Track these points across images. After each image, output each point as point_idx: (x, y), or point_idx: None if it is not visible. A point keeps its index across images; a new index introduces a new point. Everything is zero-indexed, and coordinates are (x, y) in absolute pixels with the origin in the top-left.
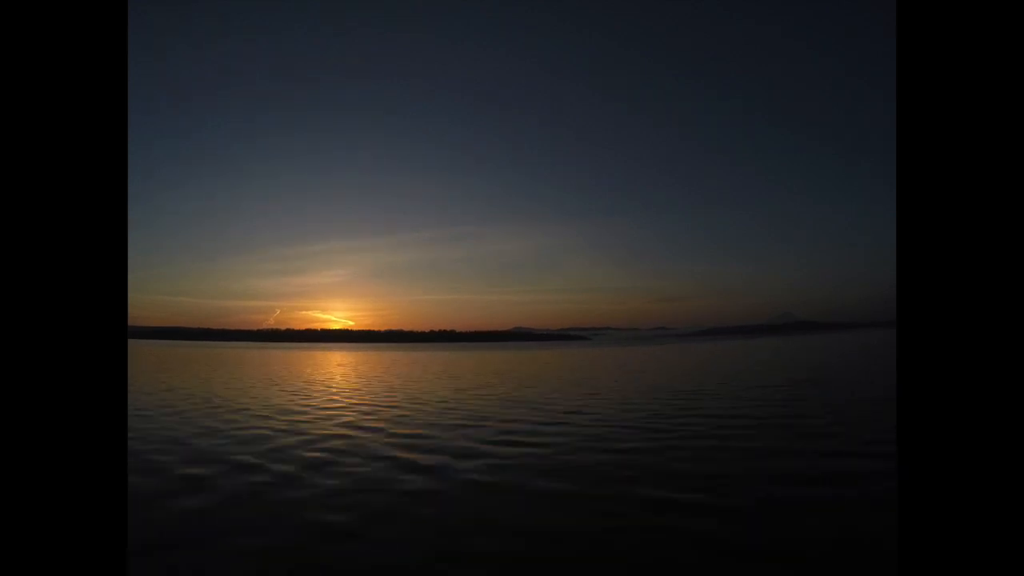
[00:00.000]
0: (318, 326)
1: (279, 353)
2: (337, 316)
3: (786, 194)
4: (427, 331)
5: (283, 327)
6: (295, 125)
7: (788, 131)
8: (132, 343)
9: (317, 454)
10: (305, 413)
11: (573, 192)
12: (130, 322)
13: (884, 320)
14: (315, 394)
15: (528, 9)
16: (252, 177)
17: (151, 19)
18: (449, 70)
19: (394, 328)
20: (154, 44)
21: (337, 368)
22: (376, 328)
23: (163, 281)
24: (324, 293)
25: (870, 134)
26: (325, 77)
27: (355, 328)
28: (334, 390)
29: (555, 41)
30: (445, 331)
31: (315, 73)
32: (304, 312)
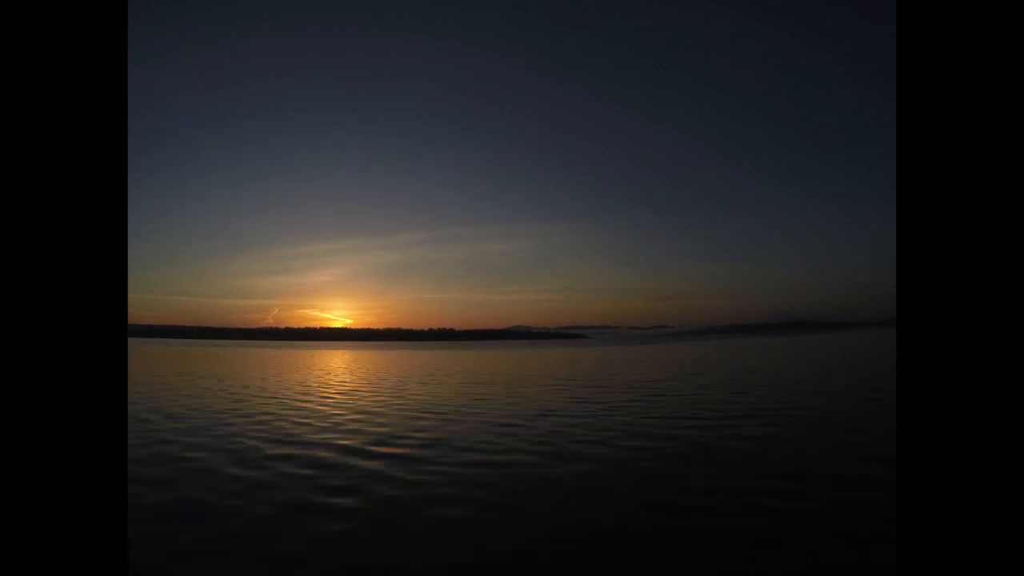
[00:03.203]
0: (317, 324)
1: (306, 353)
2: (336, 315)
3: (786, 194)
4: (426, 329)
5: (282, 325)
6: (292, 124)
7: (787, 131)
8: (132, 342)
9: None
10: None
11: (572, 191)
12: (128, 321)
13: (884, 320)
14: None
15: (527, 8)
16: (249, 176)
17: (149, 18)
18: (450, 70)
19: (393, 327)
20: (152, 43)
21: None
22: (375, 327)
23: (160, 279)
24: (322, 292)
25: (870, 134)
26: (321, 77)
27: (354, 327)
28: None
29: (554, 40)
30: (444, 329)
31: (312, 73)
32: (302, 311)
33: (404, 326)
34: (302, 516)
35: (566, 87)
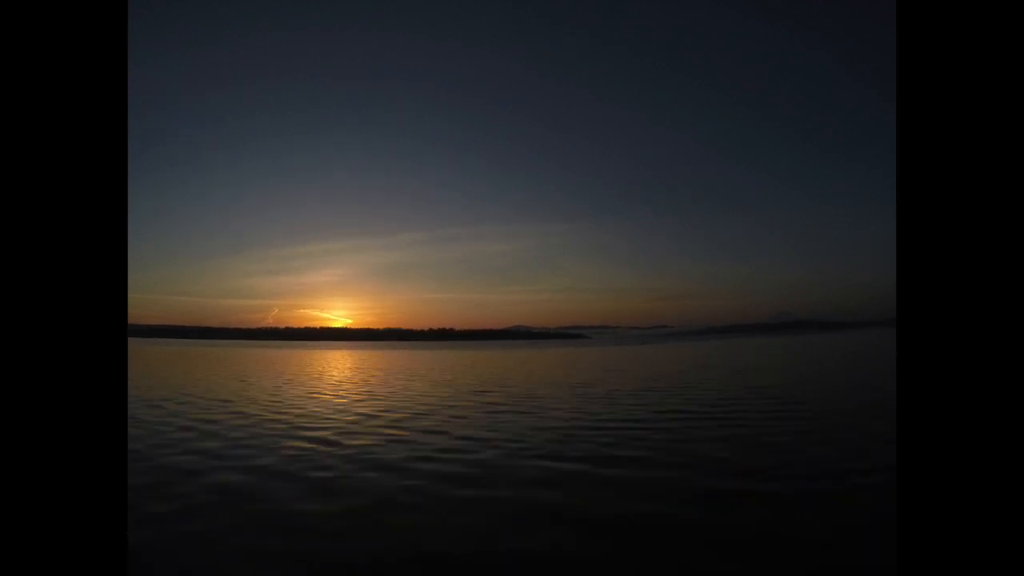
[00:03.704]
0: (317, 324)
1: (330, 354)
2: (336, 315)
3: (786, 194)
4: (426, 329)
5: (282, 325)
6: (292, 124)
7: (787, 131)
8: (132, 342)
9: None
10: None
11: (572, 191)
12: (128, 321)
13: (884, 320)
14: None
15: (527, 8)
16: (249, 176)
17: (149, 18)
18: (449, 70)
19: (393, 327)
20: (152, 43)
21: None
22: (375, 327)
23: (160, 279)
24: (322, 292)
25: (870, 134)
26: (321, 77)
27: (354, 327)
28: None
29: (554, 40)
30: (444, 329)
31: (311, 73)
32: (302, 311)
33: (404, 326)
34: None
35: (566, 87)
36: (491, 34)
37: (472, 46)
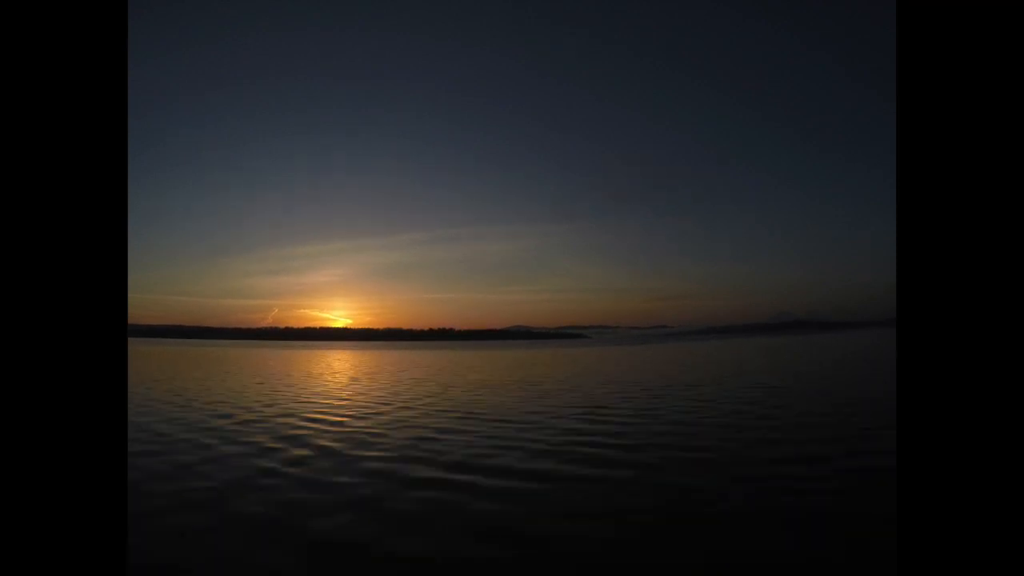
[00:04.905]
0: (317, 324)
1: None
2: (335, 315)
3: (786, 194)
4: (426, 329)
5: (282, 325)
6: (292, 124)
7: (787, 131)
8: (132, 342)
9: None
10: None
11: (572, 191)
12: (128, 321)
13: (884, 320)
14: None
15: (527, 8)
16: (249, 176)
17: (149, 18)
18: (449, 70)
19: (393, 327)
20: (152, 43)
21: None
22: (375, 327)
23: (160, 279)
24: (322, 292)
25: (870, 134)
26: (321, 77)
27: (354, 327)
28: None
29: (554, 40)
30: (444, 329)
31: (312, 73)
32: (302, 311)
33: (404, 326)
34: None
35: (566, 87)
36: (491, 34)
37: (472, 46)
